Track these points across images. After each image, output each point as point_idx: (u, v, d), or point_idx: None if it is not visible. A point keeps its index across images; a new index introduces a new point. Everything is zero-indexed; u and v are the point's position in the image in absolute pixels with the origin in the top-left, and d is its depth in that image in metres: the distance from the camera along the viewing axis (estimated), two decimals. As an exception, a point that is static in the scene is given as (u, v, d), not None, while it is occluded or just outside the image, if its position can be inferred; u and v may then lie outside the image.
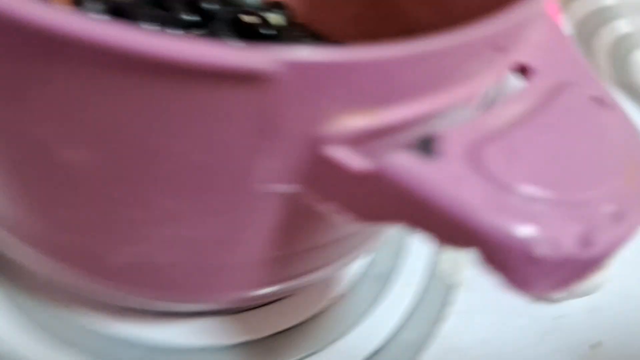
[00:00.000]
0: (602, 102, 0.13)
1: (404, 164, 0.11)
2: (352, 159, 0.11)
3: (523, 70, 0.14)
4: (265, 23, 0.24)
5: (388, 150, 0.12)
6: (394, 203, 0.12)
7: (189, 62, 0.10)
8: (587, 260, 0.11)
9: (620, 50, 0.33)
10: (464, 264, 0.22)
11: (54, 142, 0.12)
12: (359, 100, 0.11)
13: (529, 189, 0.12)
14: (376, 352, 0.20)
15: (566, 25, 0.34)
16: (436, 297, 0.21)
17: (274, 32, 0.24)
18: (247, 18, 0.23)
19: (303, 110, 0.11)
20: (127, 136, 0.11)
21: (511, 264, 0.11)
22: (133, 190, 0.12)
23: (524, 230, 0.11)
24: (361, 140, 0.12)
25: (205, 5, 0.23)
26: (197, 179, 0.12)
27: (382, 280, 0.21)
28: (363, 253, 0.18)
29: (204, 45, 0.10)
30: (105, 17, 0.22)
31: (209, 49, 0.10)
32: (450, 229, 0.12)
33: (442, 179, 0.11)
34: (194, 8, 0.24)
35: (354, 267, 0.21)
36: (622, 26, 0.35)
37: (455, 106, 0.13)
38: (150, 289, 0.16)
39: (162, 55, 0.09)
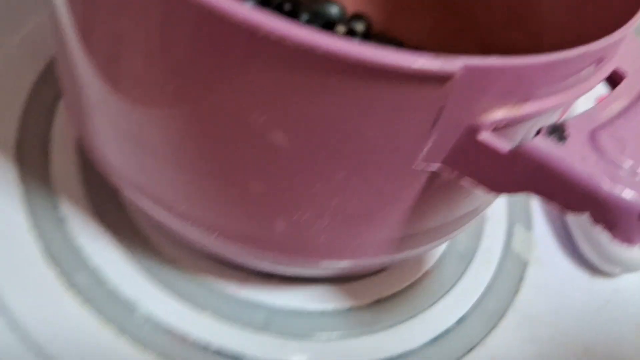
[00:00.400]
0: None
1: (543, 146, 0.14)
2: (499, 143, 0.15)
3: (616, 75, 0.17)
4: (353, 33, 0.27)
5: (520, 136, 0.16)
6: (528, 176, 0.15)
7: (399, 68, 0.13)
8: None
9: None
10: (535, 244, 0.25)
11: (268, 127, 0.15)
12: (507, 97, 0.14)
13: (632, 164, 0.15)
14: (463, 318, 0.23)
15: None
16: (511, 273, 0.25)
17: (359, 40, 0.27)
18: (341, 29, 0.26)
19: (468, 104, 0.14)
20: (328, 124, 0.14)
21: (620, 222, 0.15)
22: (320, 166, 0.15)
23: (631, 195, 0.14)
24: (502, 127, 0.15)
25: (303, 16, 0.27)
26: (373, 157, 0.15)
27: (465, 258, 0.24)
28: (461, 232, 0.21)
29: (409, 54, 0.13)
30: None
31: (415, 57, 0.13)
32: (570, 196, 0.15)
33: (571, 157, 0.14)
34: (292, 18, 0.27)
35: (442, 245, 0.25)
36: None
37: (569, 103, 0.16)
38: (293, 254, 0.19)
39: (384, 63, 0.13)
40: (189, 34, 0.14)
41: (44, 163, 0.23)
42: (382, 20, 0.29)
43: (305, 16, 0.28)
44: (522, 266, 0.25)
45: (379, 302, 0.23)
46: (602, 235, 0.24)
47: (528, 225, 0.26)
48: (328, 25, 0.28)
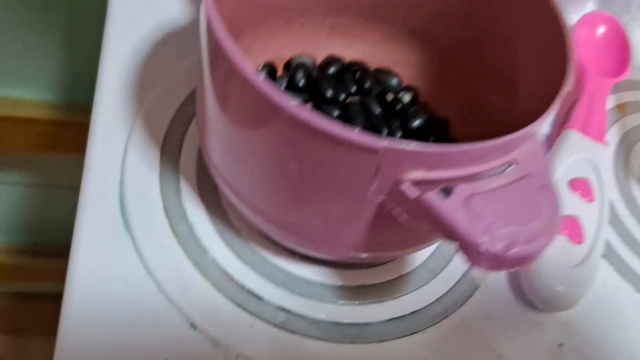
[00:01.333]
0: (545, 187, 0.25)
1: (433, 198, 0.24)
2: (411, 191, 0.25)
3: (513, 162, 0.26)
4: (399, 101, 0.38)
5: (428, 190, 0.26)
6: (428, 216, 0.25)
7: (349, 140, 0.24)
8: (507, 258, 0.23)
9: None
10: (489, 275, 0.34)
11: (287, 159, 0.26)
12: (420, 166, 0.25)
13: (491, 219, 0.24)
14: (416, 312, 0.33)
15: (614, 133, 0.45)
16: (464, 290, 0.34)
17: (402, 107, 0.37)
18: (389, 97, 0.37)
19: (392, 167, 0.24)
20: (316, 163, 0.25)
21: (471, 253, 0.24)
22: (314, 186, 0.27)
23: (482, 238, 0.24)
24: (418, 183, 0.25)
25: (367, 84, 0.38)
26: (342, 187, 0.26)
27: (432, 272, 0.34)
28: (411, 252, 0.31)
29: (357, 132, 0.24)
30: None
31: (357, 135, 0.23)
32: (448, 232, 0.24)
33: (450, 209, 0.24)
34: (359, 84, 0.38)
35: (419, 260, 0.34)
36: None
37: (469, 175, 0.26)
38: (303, 238, 0.30)
39: (339, 136, 0.24)
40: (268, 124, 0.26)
41: (177, 154, 0.37)
42: (427, 94, 0.39)
43: (369, 82, 0.39)
44: (474, 288, 0.34)
45: (362, 287, 0.33)
46: (535, 277, 0.33)
47: (487, 260, 0.35)
48: (384, 91, 0.38)
